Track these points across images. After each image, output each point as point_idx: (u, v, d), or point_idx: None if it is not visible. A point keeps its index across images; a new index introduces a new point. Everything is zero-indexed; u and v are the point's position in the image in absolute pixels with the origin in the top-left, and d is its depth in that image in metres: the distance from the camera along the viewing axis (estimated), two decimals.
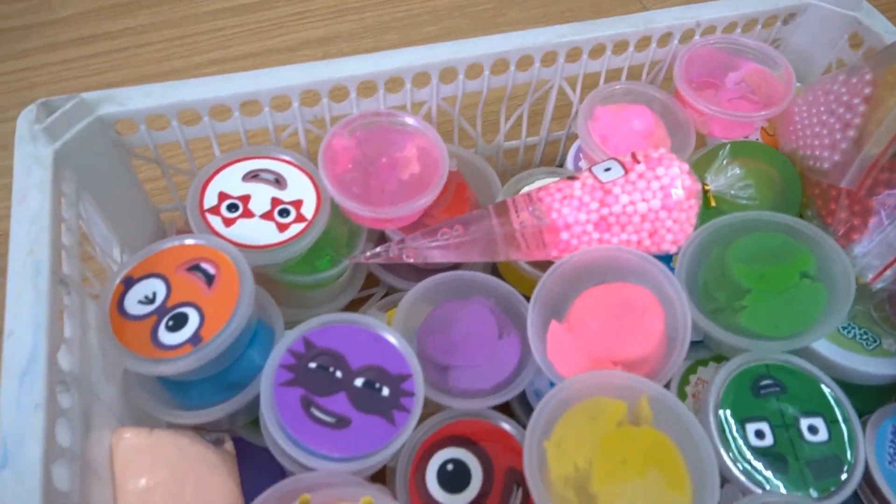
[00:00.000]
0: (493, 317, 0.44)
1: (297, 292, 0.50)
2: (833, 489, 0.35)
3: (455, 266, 0.51)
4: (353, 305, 0.54)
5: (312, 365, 0.36)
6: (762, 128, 0.52)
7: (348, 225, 0.50)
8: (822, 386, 0.38)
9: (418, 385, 0.37)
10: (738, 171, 0.45)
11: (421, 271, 0.50)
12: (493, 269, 0.52)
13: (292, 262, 0.45)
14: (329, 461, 0.34)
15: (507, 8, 0.84)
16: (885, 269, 0.40)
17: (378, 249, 0.45)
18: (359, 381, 0.36)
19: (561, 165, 0.55)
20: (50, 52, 0.74)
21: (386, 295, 0.54)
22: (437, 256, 0.44)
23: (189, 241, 0.40)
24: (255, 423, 0.45)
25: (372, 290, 0.55)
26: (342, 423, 0.35)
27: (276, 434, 0.34)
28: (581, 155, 0.53)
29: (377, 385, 0.36)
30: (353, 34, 0.79)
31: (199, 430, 0.41)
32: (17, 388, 0.30)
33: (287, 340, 0.37)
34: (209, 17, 0.80)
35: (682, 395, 0.43)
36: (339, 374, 0.36)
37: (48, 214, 0.36)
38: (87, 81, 0.72)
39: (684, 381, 0.43)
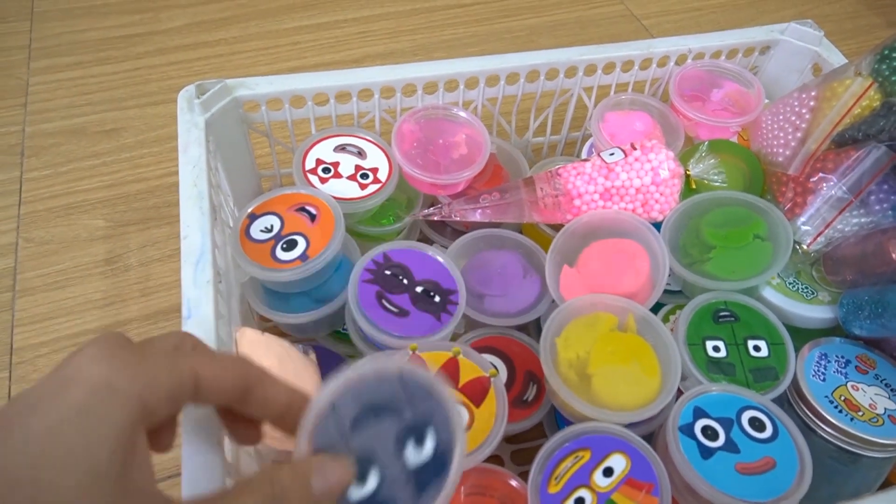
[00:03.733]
0: (519, 262, 0.57)
1: (368, 243, 0.64)
2: (767, 389, 0.47)
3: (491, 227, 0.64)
4: None
5: (387, 272, 0.50)
6: (738, 133, 0.65)
7: (408, 193, 0.64)
8: (767, 318, 0.51)
9: (461, 298, 0.50)
10: (713, 161, 0.58)
11: (462, 234, 0.64)
12: (520, 231, 0.65)
13: (368, 214, 0.59)
14: (391, 337, 0.47)
15: (537, 36, 0.99)
16: (818, 235, 0.52)
17: (431, 210, 0.58)
18: (419, 289, 0.50)
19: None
20: (159, 55, 0.90)
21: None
22: (478, 216, 0.58)
23: (298, 190, 0.54)
24: (334, 335, 0.58)
25: None
26: (403, 313, 0.48)
27: (356, 314, 0.48)
28: (593, 149, 0.67)
29: (431, 293, 0.50)
30: (407, 52, 0.94)
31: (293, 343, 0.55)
32: (194, 271, 0.44)
33: (372, 252, 0.51)
34: (288, 34, 0.96)
35: None
36: (405, 281, 0.50)
37: (204, 161, 0.50)
38: (188, 80, 0.87)
39: (665, 319, 0.56)
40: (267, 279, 0.50)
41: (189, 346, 0.28)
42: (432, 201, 0.64)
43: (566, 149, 0.73)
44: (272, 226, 0.52)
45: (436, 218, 0.58)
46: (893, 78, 0.53)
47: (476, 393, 0.43)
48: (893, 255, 0.48)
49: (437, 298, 0.50)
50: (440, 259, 0.52)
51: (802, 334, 0.54)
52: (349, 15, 0.99)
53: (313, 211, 0.53)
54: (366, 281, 0.50)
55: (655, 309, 0.56)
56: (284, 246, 0.51)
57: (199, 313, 0.42)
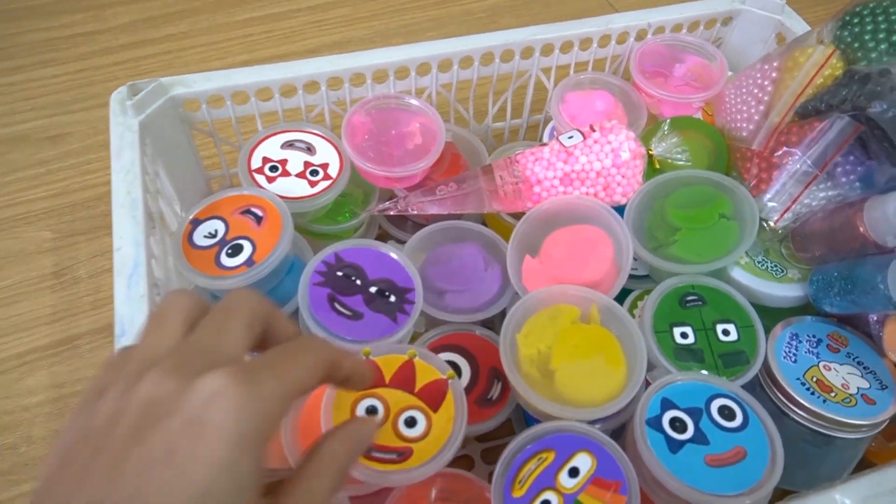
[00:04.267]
0: (480, 254, 0.55)
1: (323, 241, 0.61)
2: (737, 375, 0.46)
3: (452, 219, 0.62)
4: None
5: (339, 273, 0.48)
6: (703, 109, 0.63)
7: (364, 188, 0.61)
8: (736, 300, 0.49)
9: (418, 296, 0.48)
10: (676, 139, 0.56)
11: (423, 227, 0.61)
12: (482, 222, 0.63)
13: (320, 213, 0.57)
14: (344, 342, 0.45)
15: (499, 16, 0.96)
16: (785, 211, 0.51)
17: (387, 204, 0.56)
18: (373, 289, 0.48)
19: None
20: (105, 55, 0.87)
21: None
22: (435, 209, 0.55)
23: (242, 192, 0.51)
24: None
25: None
26: (357, 316, 0.46)
27: (307, 319, 0.45)
28: (554, 132, 0.64)
29: (386, 293, 0.48)
30: (364, 39, 0.91)
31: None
32: (127, 285, 0.42)
33: (322, 253, 0.48)
34: (240, 26, 0.92)
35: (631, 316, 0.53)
36: (358, 281, 0.48)
37: (138, 166, 0.47)
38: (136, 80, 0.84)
39: (633, 306, 0.54)
40: (212, 288, 0.48)
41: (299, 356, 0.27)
42: (390, 195, 0.61)
43: (528, 133, 0.71)
44: (216, 231, 0.50)
45: (392, 213, 0.55)
46: (856, 44, 0.51)
47: (433, 397, 0.41)
48: (861, 229, 0.47)
49: (392, 298, 0.48)
50: (395, 256, 0.50)
51: (773, 314, 0.52)
52: (303, 4, 0.96)
53: (259, 213, 0.50)
54: (316, 284, 0.47)
55: (623, 295, 0.55)
56: (229, 252, 0.48)
57: (133, 331, 0.40)
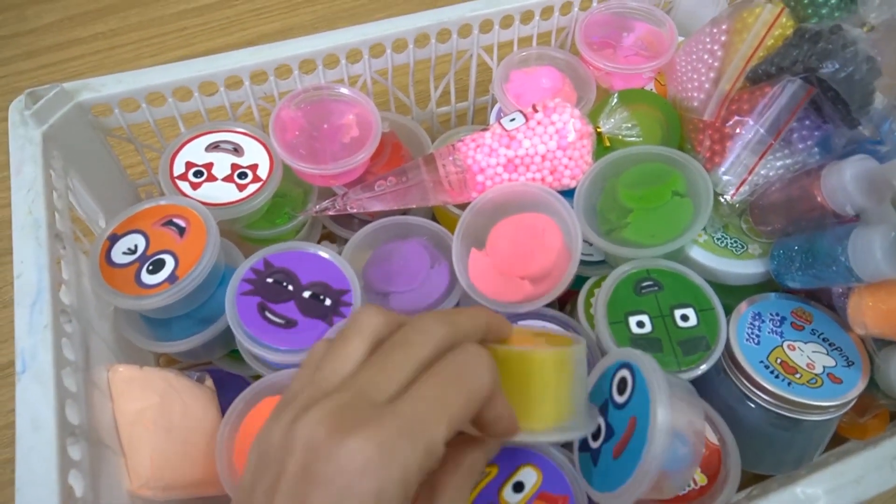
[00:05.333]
0: (426, 251, 0.52)
1: (264, 247, 0.58)
2: (697, 362, 0.43)
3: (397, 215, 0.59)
4: None
5: (269, 280, 0.45)
6: (655, 79, 0.60)
7: (303, 187, 0.58)
8: (693, 283, 0.46)
9: (356, 297, 0.45)
10: (625, 114, 0.53)
11: (366, 224, 0.58)
12: (431, 216, 0.60)
13: (254, 217, 0.53)
14: (279, 353, 0.42)
15: None
16: (741, 184, 0.48)
17: (325, 203, 0.52)
18: (306, 293, 0.44)
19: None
20: (29, 58, 0.81)
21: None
22: (377, 205, 0.52)
23: (162, 202, 0.47)
24: (231, 354, 0.53)
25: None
26: (290, 323, 0.43)
27: (237, 332, 0.42)
28: (501, 114, 0.61)
29: (321, 297, 0.44)
30: (306, 26, 0.87)
31: (183, 371, 0.49)
32: (29, 314, 0.38)
33: (250, 260, 0.45)
34: (174, 19, 0.87)
35: (588, 306, 0.51)
36: (290, 287, 0.44)
37: (41, 182, 0.44)
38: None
39: (590, 294, 0.51)
40: (132, 308, 0.44)
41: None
42: (330, 193, 0.58)
43: (477, 115, 0.67)
44: (136, 246, 0.46)
45: (330, 213, 0.52)
46: (805, 0, 0.48)
47: None
48: (818, 198, 0.44)
49: (327, 301, 0.45)
50: (328, 257, 0.47)
51: (736, 292, 0.50)
52: None
53: (182, 224, 0.47)
54: (245, 293, 0.44)
55: (579, 283, 0.52)
56: (150, 268, 0.45)
57: (37, 365, 0.36)
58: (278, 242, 0.57)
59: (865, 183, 0.42)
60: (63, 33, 0.84)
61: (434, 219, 0.60)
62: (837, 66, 0.43)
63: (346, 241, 0.59)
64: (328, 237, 0.62)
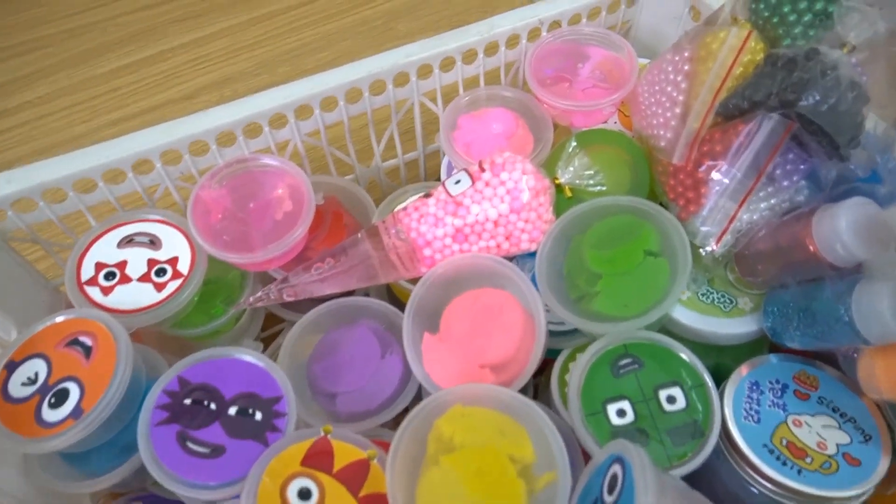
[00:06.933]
0: (375, 338, 0.46)
1: (202, 343, 0.52)
2: (689, 455, 0.37)
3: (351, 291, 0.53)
4: (264, 342, 0.56)
5: (187, 401, 0.39)
6: (619, 109, 0.54)
7: (238, 268, 0.52)
8: (678, 355, 0.40)
9: (290, 405, 0.39)
10: (585, 160, 0.47)
11: (318, 301, 0.52)
12: (386, 289, 0.54)
13: (179, 317, 0.47)
14: (207, 490, 0.36)
15: (396, 21, 0.86)
16: (722, 234, 0.42)
17: (259, 294, 0.46)
18: (232, 410, 0.39)
19: (439, 178, 0.56)
20: None
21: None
22: (319, 290, 0.46)
23: (61, 318, 0.41)
24: None
25: (280, 325, 0.57)
26: (217, 451, 0.37)
27: (154, 471, 0.36)
28: (450, 166, 0.55)
29: (250, 410, 0.39)
30: (247, 73, 0.81)
31: (114, 499, 0.44)
32: None
33: (162, 382, 0.39)
34: (106, 78, 0.81)
35: (563, 384, 0.45)
36: (213, 405, 0.39)
37: None
38: None
39: (564, 370, 0.45)
40: (34, 451, 0.38)
41: None
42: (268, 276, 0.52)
43: (429, 162, 0.61)
44: (36, 374, 0.40)
45: (261, 304, 0.46)
46: (774, 19, 0.42)
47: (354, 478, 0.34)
48: (811, 248, 0.38)
49: (258, 415, 0.39)
50: (254, 360, 0.41)
51: (728, 352, 0.44)
52: (175, 41, 0.85)
53: (88, 342, 0.41)
54: (160, 423, 0.38)
55: (551, 353, 0.46)
56: (52, 400, 0.39)
57: None
58: (220, 335, 0.52)
59: (865, 232, 0.36)
60: None
61: (388, 292, 0.54)
62: (818, 97, 0.37)
63: (293, 324, 0.53)
64: (274, 321, 0.56)
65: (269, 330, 0.57)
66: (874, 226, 0.36)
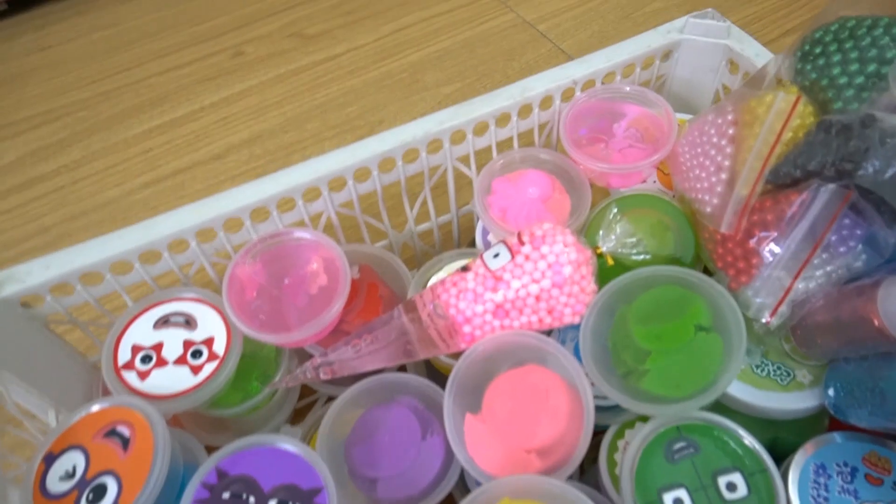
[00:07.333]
0: (415, 418, 0.44)
1: (240, 420, 0.51)
2: None
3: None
4: (298, 415, 0.55)
5: (226, 495, 0.37)
6: (658, 168, 0.53)
7: None
8: (737, 437, 0.38)
9: (331, 498, 0.37)
10: (627, 226, 0.45)
11: (355, 375, 0.51)
12: (428, 363, 0.53)
13: (215, 398, 0.46)
14: None
15: (422, 73, 0.86)
16: (778, 305, 0.40)
17: (296, 373, 0.45)
18: (272, 503, 0.37)
19: (473, 242, 0.55)
20: None
21: (329, 399, 0.55)
22: (356, 368, 0.45)
23: (96, 408, 0.41)
24: None
25: (315, 395, 0.56)
26: None
27: None
28: (485, 232, 0.54)
29: None
30: (275, 130, 0.81)
31: None
32: None
33: (200, 474, 0.38)
34: (138, 140, 0.83)
35: (612, 464, 0.43)
36: (252, 499, 0.37)
37: None
38: (29, 228, 0.75)
39: (612, 448, 0.43)
40: None
41: None
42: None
43: (464, 227, 0.60)
44: (74, 468, 0.39)
45: (300, 382, 0.45)
46: (823, 82, 0.40)
47: None
48: (876, 323, 0.36)
49: None
50: (294, 449, 0.40)
51: (786, 426, 0.42)
52: (205, 101, 0.86)
53: (126, 432, 0.40)
54: None
55: (599, 429, 0.44)
56: (90, 496, 0.38)
57: None
58: (256, 411, 0.51)
59: None
60: (23, 172, 0.80)
61: (427, 365, 0.53)
62: (878, 164, 0.35)
63: (331, 398, 0.52)
64: (307, 389, 0.55)
65: (304, 400, 0.56)
66: None
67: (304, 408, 0.56)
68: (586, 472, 0.48)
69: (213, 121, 0.84)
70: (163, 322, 0.46)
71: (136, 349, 0.45)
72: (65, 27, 0.98)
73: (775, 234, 0.39)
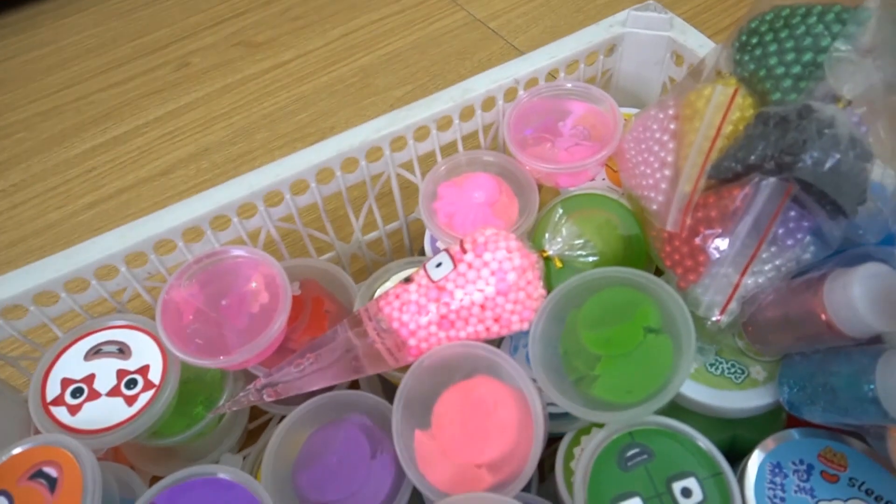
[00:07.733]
0: (364, 437, 0.42)
1: (188, 446, 0.49)
2: None
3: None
4: (251, 436, 0.53)
5: None
6: (607, 165, 0.52)
7: None
8: (691, 441, 0.37)
9: None
10: (573, 228, 0.44)
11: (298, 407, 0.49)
12: (381, 377, 0.51)
13: (155, 427, 0.44)
14: None
15: (372, 77, 0.84)
16: (727, 303, 0.39)
17: (239, 396, 0.43)
18: None
19: (423, 251, 0.54)
20: None
21: (283, 419, 0.53)
22: (304, 387, 0.43)
23: (18, 449, 0.38)
24: None
25: (267, 416, 0.54)
26: None
27: None
28: (433, 240, 0.52)
29: None
30: (223, 142, 0.79)
31: None
32: None
33: None
34: (80, 160, 0.80)
35: (568, 472, 0.41)
36: None
37: None
38: None
39: (569, 456, 0.42)
40: None
41: None
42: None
43: (414, 232, 0.59)
44: None
45: (244, 405, 0.43)
46: (761, 72, 0.39)
47: None
48: (823, 317, 0.35)
49: None
50: (233, 478, 0.38)
51: (743, 424, 0.41)
52: (150, 115, 0.83)
53: (52, 473, 0.38)
54: None
55: (553, 441, 0.43)
56: None
57: None
58: (204, 436, 0.49)
59: (883, 303, 0.33)
60: None
61: (381, 380, 0.51)
62: (815, 155, 0.34)
63: (284, 417, 0.50)
64: (259, 414, 0.53)
65: (257, 421, 0.54)
66: (892, 294, 0.33)
67: (257, 429, 0.54)
68: (546, 480, 0.47)
69: (158, 136, 0.81)
70: (94, 352, 0.44)
71: (65, 382, 0.43)
72: (0, 46, 0.95)
73: (720, 230, 0.38)
